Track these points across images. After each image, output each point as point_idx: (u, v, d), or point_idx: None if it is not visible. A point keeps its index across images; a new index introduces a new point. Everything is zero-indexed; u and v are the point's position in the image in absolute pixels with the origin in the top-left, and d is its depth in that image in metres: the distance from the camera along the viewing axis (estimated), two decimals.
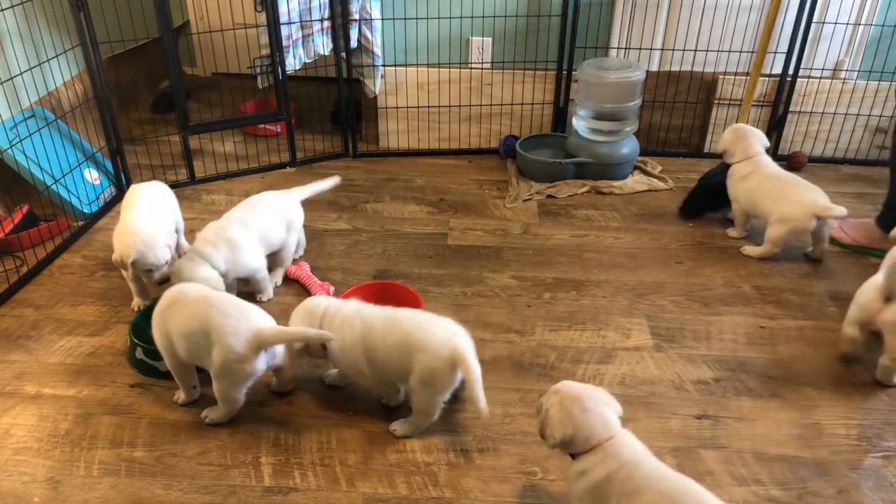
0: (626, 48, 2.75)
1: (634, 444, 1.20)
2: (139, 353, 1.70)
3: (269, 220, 1.97)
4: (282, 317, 1.92)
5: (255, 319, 1.51)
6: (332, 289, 2.00)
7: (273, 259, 2.03)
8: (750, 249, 2.20)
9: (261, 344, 1.47)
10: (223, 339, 1.45)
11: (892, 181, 2.15)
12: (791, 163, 2.71)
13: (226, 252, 1.84)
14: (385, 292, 1.97)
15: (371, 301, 1.94)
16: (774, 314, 1.94)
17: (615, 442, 1.18)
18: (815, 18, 2.58)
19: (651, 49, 2.74)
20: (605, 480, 1.15)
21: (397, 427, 1.54)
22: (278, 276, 2.06)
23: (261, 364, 1.49)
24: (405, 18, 2.72)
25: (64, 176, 2.33)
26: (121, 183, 2.53)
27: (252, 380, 1.51)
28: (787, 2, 2.61)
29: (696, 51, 2.71)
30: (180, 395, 1.62)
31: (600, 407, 1.21)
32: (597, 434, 1.18)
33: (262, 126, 3.03)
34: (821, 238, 2.13)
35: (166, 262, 1.80)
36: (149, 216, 1.90)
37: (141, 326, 1.72)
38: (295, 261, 2.12)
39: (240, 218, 1.93)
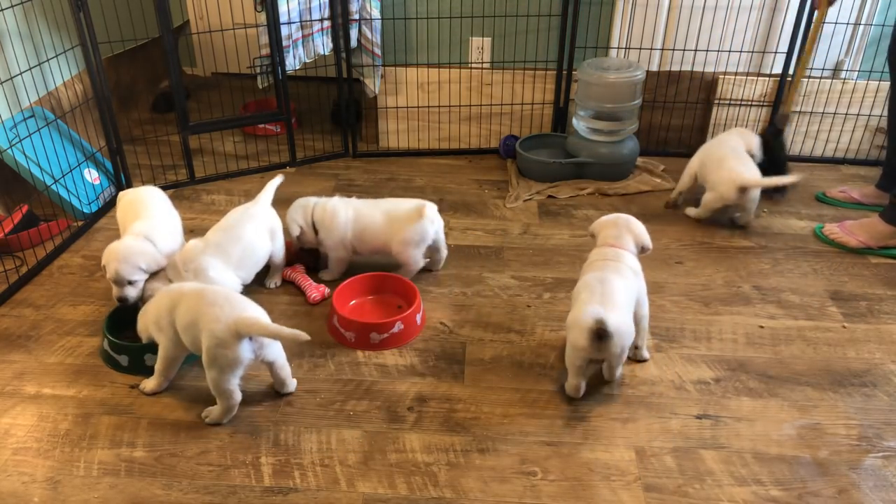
0: (626, 48, 2.75)
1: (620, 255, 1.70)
2: (105, 345, 1.74)
3: (251, 238, 1.91)
4: (281, 317, 1.92)
5: (241, 309, 1.53)
6: (326, 290, 2.00)
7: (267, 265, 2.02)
8: (690, 210, 2.43)
9: (240, 330, 1.48)
10: (207, 325, 1.49)
11: (890, 141, 2.15)
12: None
13: (193, 279, 1.78)
14: (382, 283, 1.99)
15: (368, 293, 1.99)
16: (774, 314, 1.94)
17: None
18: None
19: (651, 49, 2.74)
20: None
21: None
22: (277, 279, 2.05)
23: (245, 352, 1.51)
24: (405, 18, 2.72)
25: (64, 176, 2.33)
26: (121, 183, 2.53)
27: (239, 368, 1.52)
28: (787, 2, 2.61)
29: (696, 51, 2.71)
30: (149, 384, 1.65)
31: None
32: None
33: (262, 126, 3.03)
34: (746, 209, 2.31)
35: (131, 282, 1.79)
36: (154, 224, 1.91)
37: (115, 320, 1.80)
38: (292, 264, 2.11)
39: (218, 242, 1.86)
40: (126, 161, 2.54)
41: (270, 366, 1.60)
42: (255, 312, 1.55)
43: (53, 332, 1.86)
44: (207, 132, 2.77)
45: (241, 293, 1.89)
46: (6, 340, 1.83)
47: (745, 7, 2.65)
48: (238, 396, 1.55)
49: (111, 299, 1.82)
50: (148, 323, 1.63)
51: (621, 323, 1.54)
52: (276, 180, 2.08)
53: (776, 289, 2.05)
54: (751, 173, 2.26)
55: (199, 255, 1.82)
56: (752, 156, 2.35)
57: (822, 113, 2.75)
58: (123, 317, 1.80)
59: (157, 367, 1.64)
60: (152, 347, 1.65)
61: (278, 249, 2.02)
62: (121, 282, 1.79)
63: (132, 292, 1.80)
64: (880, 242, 2.17)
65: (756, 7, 2.65)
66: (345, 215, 2.02)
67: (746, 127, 2.79)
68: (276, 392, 1.66)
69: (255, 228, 1.93)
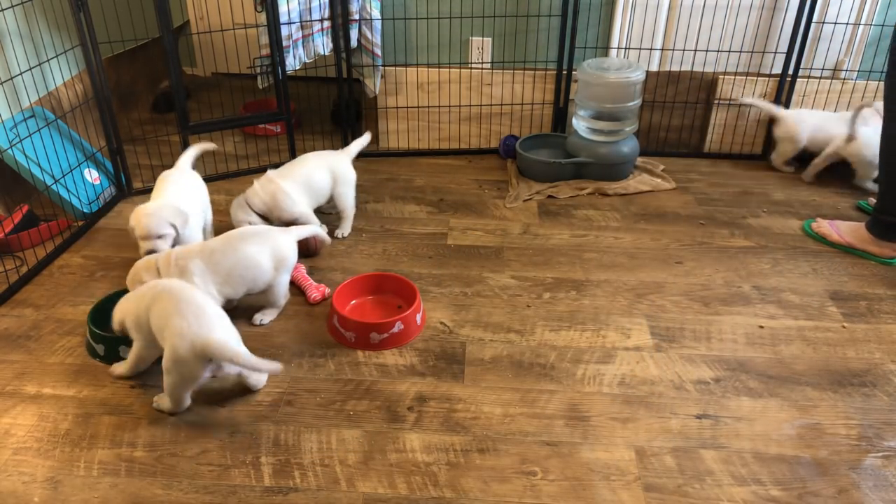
0: (626, 48, 2.75)
1: None
2: (87, 334, 1.77)
3: (249, 257, 1.80)
4: (281, 317, 1.92)
5: (209, 328, 1.50)
6: (327, 290, 2.00)
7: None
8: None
9: (206, 354, 1.48)
10: (171, 337, 1.50)
11: (884, 183, 2.14)
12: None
13: (177, 276, 1.75)
14: (382, 283, 1.99)
15: (368, 293, 1.99)
16: (774, 314, 1.94)
17: None
18: (815, 18, 2.58)
19: (651, 49, 2.74)
20: None
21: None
22: (268, 314, 1.95)
23: (204, 371, 1.52)
24: (405, 18, 2.72)
25: (64, 176, 2.33)
26: (121, 183, 2.53)
27: (194, 384, 1.54)
28: (787, 2, 2.62)
29: (696, 51, 2.71)
30: (118, 369, 1.68)
31: None
32: None
33: (262, 126, 3.03)
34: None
35: (160, 237, 1.85)
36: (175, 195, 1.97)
37: (102, 310, 1.81)
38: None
39: (213, 249, 1.79)
40: (126, 161, 2.54)
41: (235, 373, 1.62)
42: (223, 334, 1.52)
43: (53, 332, 1.86)
44: (207, 132, 2.76)
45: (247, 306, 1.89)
46: (6, 340, 1.83)
47: (744, 7, 2.65)
48: (187, 404, 1.58)
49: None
50: (126, 316, 1.61)
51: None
52: (310, 229, 2.00)
53: (776, 289, 2.05)
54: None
55: (191, 257, 1.77)
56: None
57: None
58: (110, 308, 1.79)
59: (129, 359, 1.66)
60: (128, 339, 1.65)
61: (278, 282, 1.86)
62: (150, 236, 1.84)
63: (163, 245, 1.84)
64: (860, 244, 2.20)
65: (756, 7, 2.65)
66: (287, 185, 2.18)
67: (747, 127, 2.80)
68: (275, 392, 1.66)
69: (259, 250, 1.81)
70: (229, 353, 1.48)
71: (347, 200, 2.31)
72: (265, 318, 1.90)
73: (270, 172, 2.21)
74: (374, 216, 2.44)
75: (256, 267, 1.80)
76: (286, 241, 1.86)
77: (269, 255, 1.82)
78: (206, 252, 1.78)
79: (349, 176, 2.32)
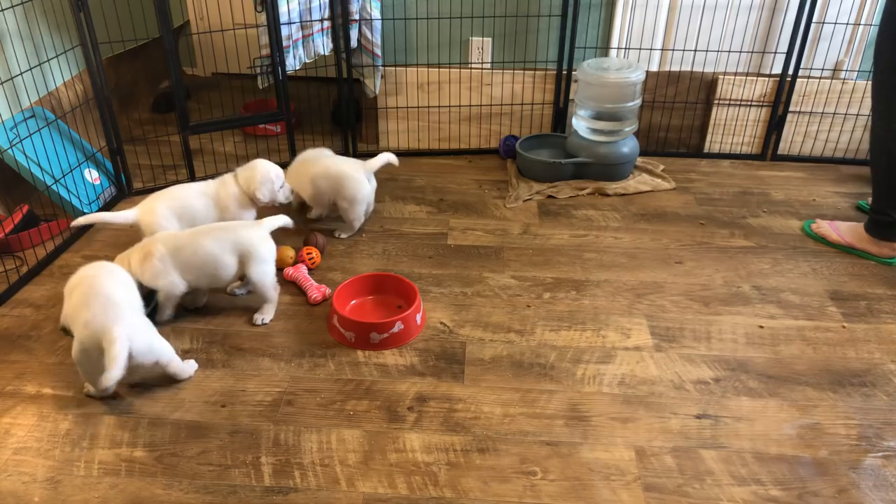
0: (626, 48, 2.75)
1: None
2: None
3: (211, 252, 1.83)
4: (281, 317, 1.92)
5: (114, 321, 1.51)
6: (327, 291, 2.00)
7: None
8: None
9: (100, 345, 1.49)
10: (76, 326, 1.52)
11: (876, 183, 2.14)
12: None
13: (139, 256, 1.84)
14: (382, 283, 1.99)
15: (368, 293, 1.98)
16: (774, 314, 1.94)
17: None
18: (815, 18, 2.58)
19: (651, 49, 2.74)
20: None
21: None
22: (265, 314, 1.95)
23: (103, 363, 1.50)
24: (405, 18, 2.72)
25: (64, 176, 2.33)
26: (121, 183, 2.53)
27: (93, 373, 1.55)
28: (787, 2, 2.62)
29: (696, 51, 2.71)
30: (87, 387, 1.67)
31: None
32: None
33: (262, 126, 3.03)
34: None
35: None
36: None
37: None
38: (295, 262, 2.12)
39: (178, 238, 1.84)
40: (126, 161, 2.54)
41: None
42: (127, 329, 1.51)
43: (54, 331, 1.86)
44: (208, 132, 2.76)
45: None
46: (6, 340, 1.83)
47: (744, 7, 2.65)
48: (91, 390, 1.63)
49: None
50: (64, 314, 1.61)
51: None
52: (279, 220, 1.96)
53: (776, 289, 2.05)
54: None
55: (157, 242, 1.81)
56: None
57: (822, 113, 2.75)
58: None
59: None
60: None
61: (255, 275, 1.85)
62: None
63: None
64: (859, 244, 2.20)
65: (756, 7, 2.65)
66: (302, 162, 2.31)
67: (747, 127, 2.80)
68: (275, 392, 1.66)
69: (219, 246, 1.81)
70: (115, 355, 1.46)
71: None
72: (265, 316, 1.90)
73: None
74: (374, 216, 2.44)
75: (214, 263, 1.82)
76: (251, 234, 1.86)
77: (231, 250, 1.83)
78: (172, 240, 1.83)
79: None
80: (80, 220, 1.96)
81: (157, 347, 1.60)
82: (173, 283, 1.81)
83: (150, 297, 1.84)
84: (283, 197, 2.14)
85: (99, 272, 1.64)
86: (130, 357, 1.51)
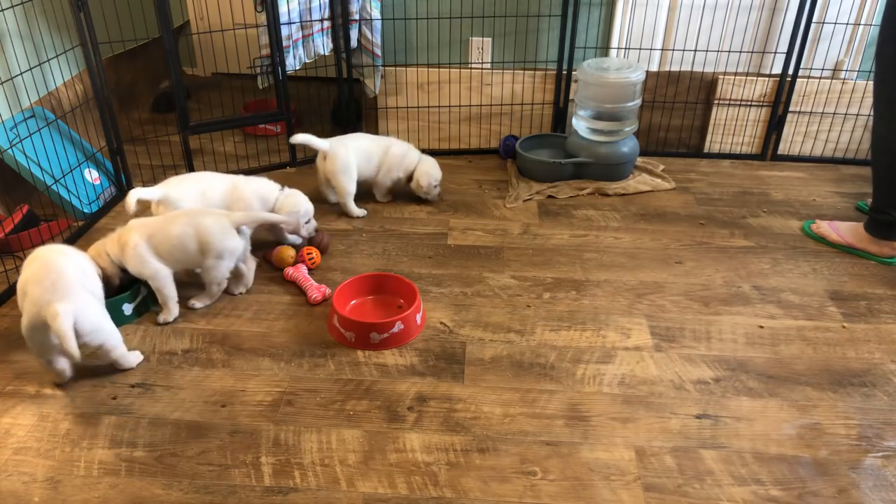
0: (626, 48, 2.75)
1: None
2: None
3: (178, 237, 1.87)
4: (281, 317, 1.92)
5: (60, 299, 1.51)
6: (327, 291, 2.00)
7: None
8: None
9: (46, 322, 1.50)
10: (26, 303, 1.54)
11: (876, 182, 2.14)
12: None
13: (116, 240, 1.91)
14: (382, 283, 1.99)
15: (368, 293, 1.98)
16: (774, 314, 1.94)
17: None
18: (815, 18, 2.58)
19: (651, 49, 2.74)
20: None
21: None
22: (241, 287, 2.04)
23: (51, 339, 1.53)
24: (405, 18, 2.72)
25: (64, 176, 2.33)
26: (121, 183, 2.53)
27: (48, 352, 1.58)
28: (787, 2, 2.62)
29: (696, 51, 2.71)
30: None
31: None
32: None
33: (262, 126, 3.03)
34: None
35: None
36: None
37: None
38: (295, 263, 2.12)
39: (153, 226, 1.88)
40: (126, 161, 2.54)
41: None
42: (68, 306, 1.51)
43: None
44: (207, 132, 2.77)
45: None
46: (6, 340, 1.83)
47: (744, 7, 2.65)
48: (66, 375, 1.65)
49: None
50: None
51: None
52: (255, 216, 2.00)
53: (776, 289, 2.05)
54: None
55: (133, 228, 1.84)
56: None
57: (822, 113, 2.75)
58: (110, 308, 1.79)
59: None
60: None
61: (205, 264, 1.88)
62: None
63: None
64: (859, 244, 2.20)
65: (756, 7, 2.65)
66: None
67: (747, 127, 2.80)
68: (275, 392, 1.66)
69: (184, 232, 1.84)
70: (58, 329, 1.48)
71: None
72: (196, 302, 1.95)
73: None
74: (374, 216, 2.44)
75: (179, 247, 1.84)
76: (210, 224, 1.85)
77: (193, 236, 1.84)
78: (144, 228, 1.85)
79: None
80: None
81: (105, 330, 1.61)
82: (158, 269, 1.84)
83: (134, 287, 1.89)
84: (305, 232, 2.16)
85: (52, 252, 1.65)
86: (77, 335, 1.51)
